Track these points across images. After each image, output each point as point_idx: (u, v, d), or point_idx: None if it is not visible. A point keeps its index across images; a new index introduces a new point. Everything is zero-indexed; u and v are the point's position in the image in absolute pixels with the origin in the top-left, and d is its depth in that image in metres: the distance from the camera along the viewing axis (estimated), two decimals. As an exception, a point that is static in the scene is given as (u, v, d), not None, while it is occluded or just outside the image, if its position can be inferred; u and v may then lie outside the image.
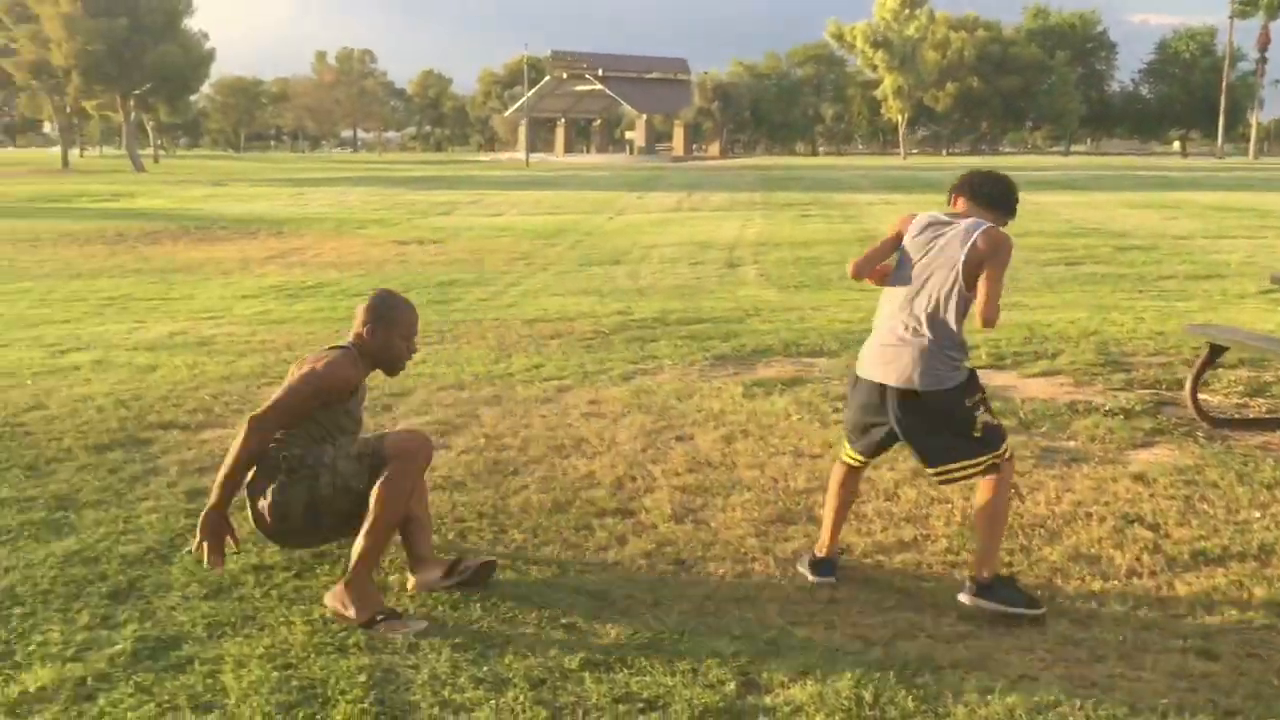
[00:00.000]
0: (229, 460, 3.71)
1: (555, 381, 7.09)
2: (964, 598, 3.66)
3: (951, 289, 3.61)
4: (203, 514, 3.70)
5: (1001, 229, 3.71)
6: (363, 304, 3.98)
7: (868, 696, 3.11)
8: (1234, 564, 4.03)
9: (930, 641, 3.47)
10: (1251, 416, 6.12)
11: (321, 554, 4.13)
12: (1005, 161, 67.81)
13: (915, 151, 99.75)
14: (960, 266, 3.60)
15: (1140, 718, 3.00)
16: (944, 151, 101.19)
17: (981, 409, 3.68)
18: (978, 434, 3.67)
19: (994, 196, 3.82)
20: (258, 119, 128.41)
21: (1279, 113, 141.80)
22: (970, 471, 3.69)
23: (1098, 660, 3.34)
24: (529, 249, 16.20)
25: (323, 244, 17.25)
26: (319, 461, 3.77)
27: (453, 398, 6.65)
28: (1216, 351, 6.13)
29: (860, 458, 3.92)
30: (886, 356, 3.69)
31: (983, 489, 3.71)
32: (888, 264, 3.86)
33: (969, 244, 3.61)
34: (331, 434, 3.89)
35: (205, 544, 3.67)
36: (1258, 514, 4.52)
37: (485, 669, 3.29)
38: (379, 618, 3.57)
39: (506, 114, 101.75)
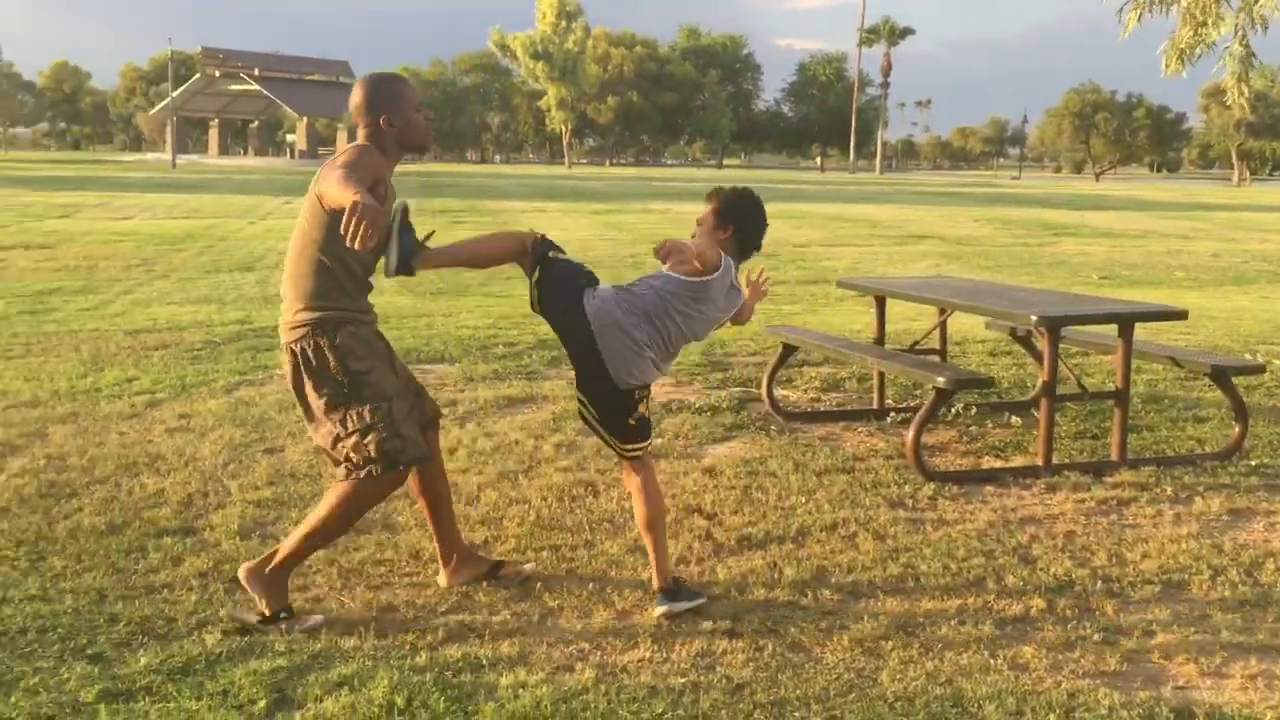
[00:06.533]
0: (351, 184, 3.21)
1: (146, 396, 6.65)
2: (658, 610, 3.68)
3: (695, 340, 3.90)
4: (358, 197, 3.05)
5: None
6: (359, 101, 3.60)
7: (400, 701, 3.09)
8: (773, 546, 4.35)
9: (478, 641, 3.51)
10: (820, 410, 6.66)
11: None
12: (662, 173, 70.82)
13: (583, 162, 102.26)
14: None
15: (658, 698, 3.16)
16: (608, 162, 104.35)
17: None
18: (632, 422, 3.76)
19: (748, 245, 3.87)
20: None
21: (903, 132, 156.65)
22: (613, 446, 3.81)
23: (632, 647, 3.49)
24: (152, 255, 15.19)
25: (-96, 249, 15.42)
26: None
27: (20, 416, 6.09)
28: (789, 350, 6.63)
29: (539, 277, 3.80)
30: None
31: (635, 499, 3.81)
32: None
33: (730, 315, 3.88)
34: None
35: (366, 221, 2.99)
36: (804, 499, 4.91)
37: (-15, 711, 3.01)
38: (283, 615, 3.58)
39: (152, 112, 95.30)
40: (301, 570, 4.02)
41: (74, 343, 8.39)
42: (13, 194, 29.62)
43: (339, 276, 3.52)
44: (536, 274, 3.71)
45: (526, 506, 4.78)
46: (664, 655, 3.43)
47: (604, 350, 3.62)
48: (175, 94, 78.10)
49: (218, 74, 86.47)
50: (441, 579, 3.95)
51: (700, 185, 44.32)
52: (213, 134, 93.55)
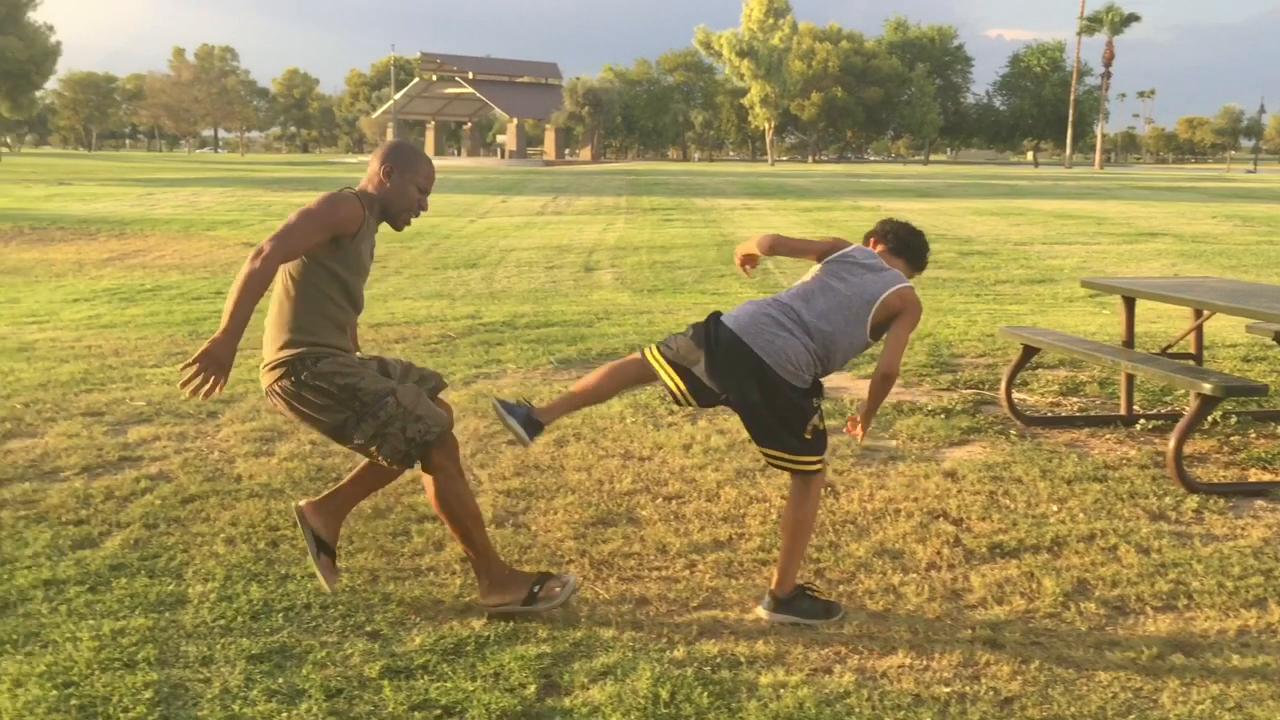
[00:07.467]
0: (236, 292, 3.26)
1: (393, 386, 6.98)
2: (761, 612, 3.71)
3: (852, 330, 3.69)
4: (209, 344, 3.20)
5: (911, 285, 3.80)
6: (379, 150, 3.74)
7: (664, 694, 3.14)
8: (1028, 556, 4.20)
9: (733, 638, 3.53)
10: (1062, 415, 6.39)
11: (119, 566, 3.99)
12: (868, 169, 69.65)
13: (784, 159, 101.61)
14: (870, 314, 3.68)
15: (923, 707, 3.10)
16: (810, 159, 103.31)
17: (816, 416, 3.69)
18: (808, 435, 3.65)
19: (909, 249, 3.98)
20: (111, 117, 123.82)
21: (1123, 125, 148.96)
22: (789, 465, 3.67)
23: (889, 652, 3.44)
24: (383, 252, 15.94)
25: (167, 246, 16.69)
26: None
27: (283, 404, 6.49)
28: (1030, 352, 6.39)
29: (670, 372, 3.72)
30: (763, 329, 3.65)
31: (793, 498, 3.74)
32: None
33: (882, 296, 3.69)
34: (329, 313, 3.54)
35: (205, 374, 3.19)
36: (1055, 508, 4.72)
37: (281, 680, 3.22)
38: (535, 589, 3.66)
39: (374, 115, 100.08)
40: (555, 561, 4.14)
41: (322, 335, 8.89)
42: (254, 194, 31.68)
43: (316, 315, 3.50)
44: (666, 370, 3.72)
45: (767, 505, 4.77)
46: (924, 663, 3.36)
47: (756, 346, 3.58)
48: (396, 97, 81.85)
49: (435, 78, 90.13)
50: (302, 501, 3.88)
51: (908, 181, 43.35)
52: (429, 135, 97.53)
